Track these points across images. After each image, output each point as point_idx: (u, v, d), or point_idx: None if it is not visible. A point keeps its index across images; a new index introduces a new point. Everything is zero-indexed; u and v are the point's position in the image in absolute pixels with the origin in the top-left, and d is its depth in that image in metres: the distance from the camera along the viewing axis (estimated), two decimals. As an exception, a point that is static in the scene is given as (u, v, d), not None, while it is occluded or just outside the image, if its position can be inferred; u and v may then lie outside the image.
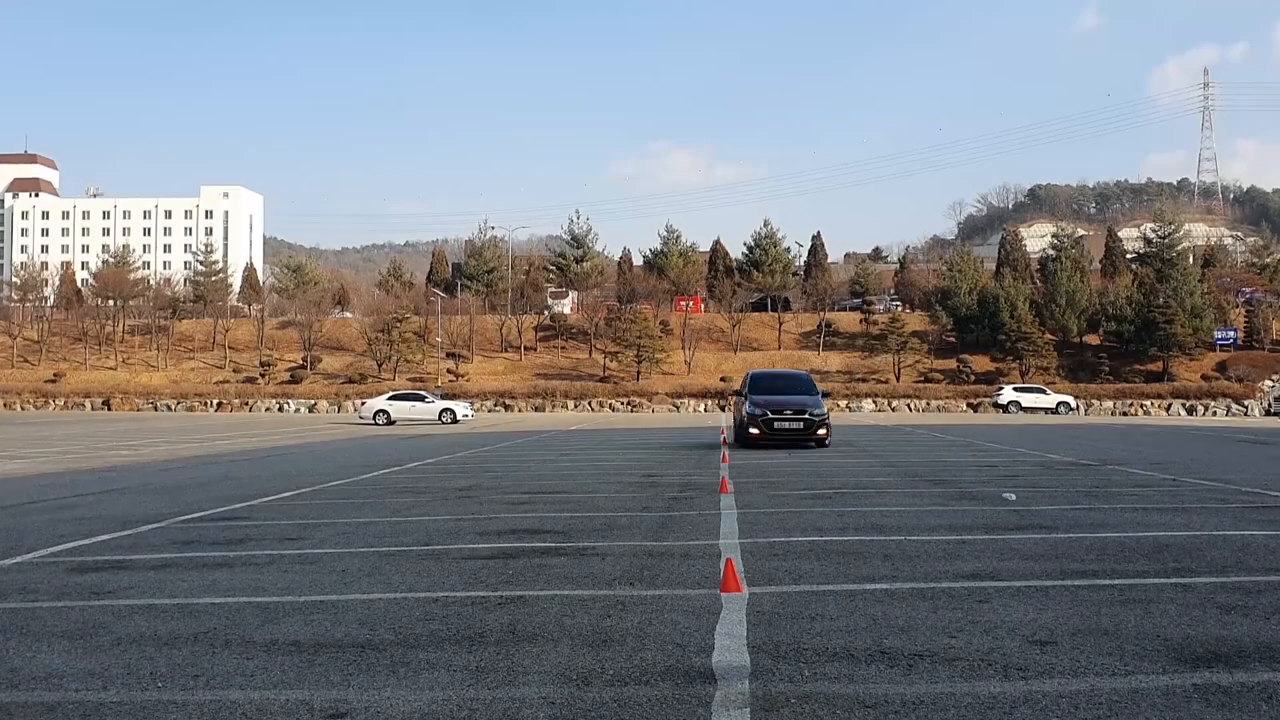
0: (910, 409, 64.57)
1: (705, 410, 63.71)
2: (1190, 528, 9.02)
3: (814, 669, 4.50)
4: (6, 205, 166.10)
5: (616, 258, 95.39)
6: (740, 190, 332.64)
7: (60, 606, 6.07)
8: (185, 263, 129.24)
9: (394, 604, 6.02)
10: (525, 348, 79.44)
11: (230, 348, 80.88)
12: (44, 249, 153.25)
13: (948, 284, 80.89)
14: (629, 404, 67.25)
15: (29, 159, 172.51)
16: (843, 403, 66.34)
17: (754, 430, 20.39)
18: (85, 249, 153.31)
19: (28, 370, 78.79)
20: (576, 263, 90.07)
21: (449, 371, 72.27)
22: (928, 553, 7.66)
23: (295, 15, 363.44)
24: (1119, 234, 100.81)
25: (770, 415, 20.32)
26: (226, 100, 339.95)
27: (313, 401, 68.83)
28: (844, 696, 4.11)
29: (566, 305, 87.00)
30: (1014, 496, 11.68)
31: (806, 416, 20.39)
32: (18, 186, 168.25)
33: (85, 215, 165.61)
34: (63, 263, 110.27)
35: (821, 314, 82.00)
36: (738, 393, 23.30)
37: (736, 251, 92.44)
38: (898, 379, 71.15)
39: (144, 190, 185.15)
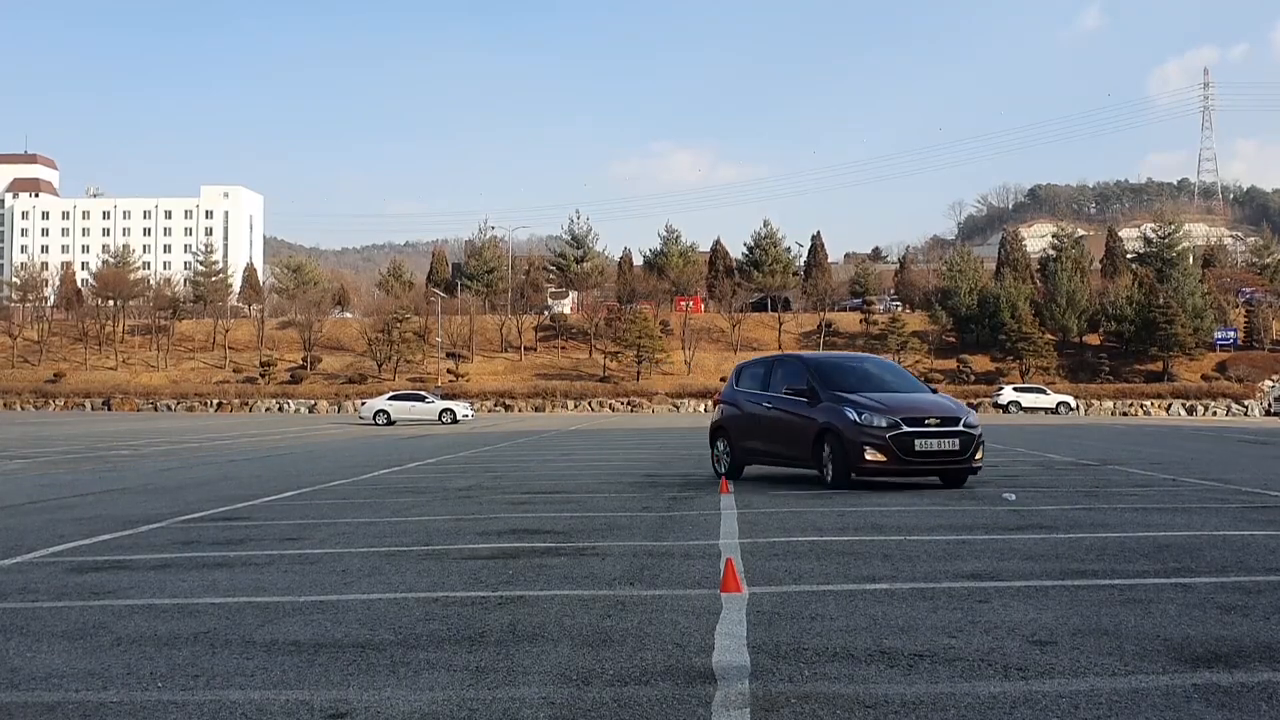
0: (910, 409, 64.50)
1: (705, 410, 63.70)
2: (1190, 528, 9.02)
3: (814, 669, 4.50)
4: (6, 205, 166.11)
5: (617, 258, 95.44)
6: (740, 190, 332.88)
7: (60, 606, 6.06)
8: (185, 263, 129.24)
9: (394, 604, 6.02)
10: (525, 348, 79.43)
11: (230, 348, 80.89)
12: (44, 249, 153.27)
13: (948, 284, 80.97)
14: (629, 404, 67.26)
15: (29, 159, 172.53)
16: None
17: (874, 455, 12.08)
18: (85, 249, 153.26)
19: (28, 370, 78.80)
20: (576, 263, 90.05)
21: (449, 371, 72.26)
22: (928, 553, 7.66)
23: (295, 15, 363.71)
24: (1119, 234, 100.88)
25: (905, 429, 12.05)
26: (226, 100, 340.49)
27: (313, 401, 68.84)
28: (844, 696, 4.10)
29: (566, 305, 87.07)
30: (1014, 496, 11.68)
31: (961, 430, 12.36)
32: (18, 186, 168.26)
33: (85, 215, 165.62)
34: (63, 263, 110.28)
35: (821, 314, 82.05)
36: (784, 388, 13.70)
37: (736, 251, 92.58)
38: (898, 379, 71.06)
39: (144, 190, 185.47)
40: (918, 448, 12.12)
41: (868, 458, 12.22)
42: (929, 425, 12.27)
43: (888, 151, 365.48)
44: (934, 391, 14.04)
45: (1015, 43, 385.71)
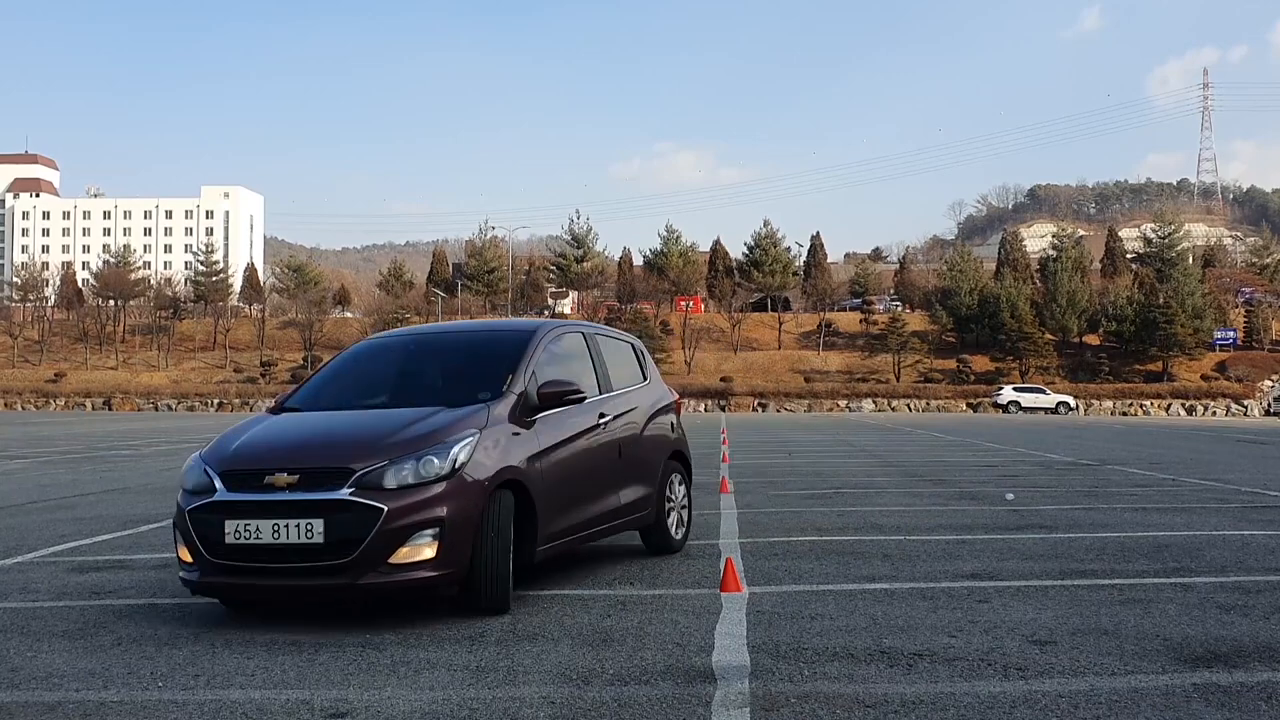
0: (910, 409, 64.56)
1: (705, 410, 63.70)
2: (1190, 527, 9.02)
3: (814, 669, 4.50)
4: (7, 205, 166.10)
5: (617, 258, 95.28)
6: (741, 190, 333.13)
7: (60, 606, 6.07)
8: (186, 263, 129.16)
9: (393, 603, 6.02)
10: (525, 348, 79.39)
11: (231, 347, 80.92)
12: (44, 249, 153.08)
13: (948, 284, 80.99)
14: (629, 404, 67.27)
15: (29, 159, 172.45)
16: (843, 403, 66.34)
17: (180, 551, 5.58)
18: (86, 249, 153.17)
19: (29, 370, 78.80)
20: (577, 262, 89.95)
21: (449, 371, 72.26)
22: (928, 553, 7.66)
23: (296, 15, 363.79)
24: (1119, 234, 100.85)
25: (222, 495, 5.38)
26: (226, 100, 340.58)
27: (313, 401, 68.83)
28: (844, 696, 4.11)
29: (567, 305, 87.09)
30: (1014, 496, 11.68)
31: (343, 500, 5.19)
32: (18, 186, 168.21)
33: (86, 215, 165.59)
34: (63, 263, 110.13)
35: (822, 314, 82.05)
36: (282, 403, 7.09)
37: (736, 251, 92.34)
38: (898, 379, 71.15)
39: (144, 190, 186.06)
40: (229, 539, 5.32)
41: (179, 557, 5.71)
42: (274, 488, 5.36)
43: (888, 151, 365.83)
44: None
45: (1015, 43, 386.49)
